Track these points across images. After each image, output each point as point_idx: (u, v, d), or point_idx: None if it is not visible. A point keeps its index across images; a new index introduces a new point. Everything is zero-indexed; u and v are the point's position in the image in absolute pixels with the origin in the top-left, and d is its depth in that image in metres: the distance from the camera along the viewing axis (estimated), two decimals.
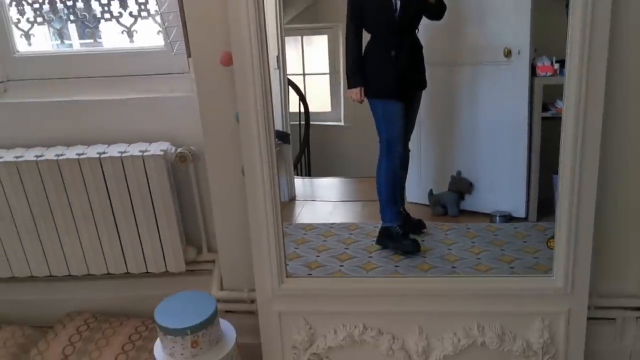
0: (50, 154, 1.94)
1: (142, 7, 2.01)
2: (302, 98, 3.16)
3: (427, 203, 3.02)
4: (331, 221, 2.99)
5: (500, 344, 1.73)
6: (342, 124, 3.84)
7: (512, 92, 2.72)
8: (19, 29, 2.06)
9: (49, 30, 2.11)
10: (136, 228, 2.01)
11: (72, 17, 2.07)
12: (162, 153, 1.91)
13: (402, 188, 2.58)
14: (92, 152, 1.94)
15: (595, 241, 1.67)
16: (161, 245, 2.04)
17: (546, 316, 1.71)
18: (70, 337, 2.04)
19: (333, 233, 2.82)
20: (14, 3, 2.04)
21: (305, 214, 3.24)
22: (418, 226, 2.69)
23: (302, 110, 3.15)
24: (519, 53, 2.68)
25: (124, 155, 1.91)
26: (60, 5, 2.04)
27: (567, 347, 1.72)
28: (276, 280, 1.75)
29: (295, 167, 3.46)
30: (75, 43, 2.15)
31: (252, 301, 1.94)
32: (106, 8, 2.02)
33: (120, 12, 2.03)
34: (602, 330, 1.86)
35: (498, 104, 2.80)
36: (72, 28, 2.14)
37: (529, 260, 2.31)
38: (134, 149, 1.93)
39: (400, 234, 2.34)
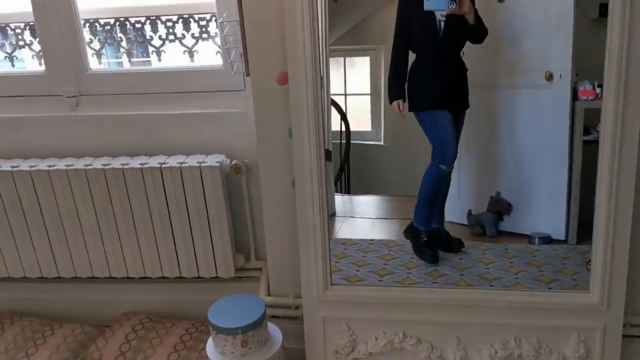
0: (116, 163, 2.09)
1: (204, 29, 2.17)
2: (344, 117, 3.24)
3: (466, 223, 3.07)
4: (370, 237, 3.08)
5: (537, 356, 1.78)
6: (381, 143, 3.90)
7: (553, 115, 2.76)
8: (91, 48, 2.24)
9: (118, 49, 2.29)
10: (190, 234, 2.14)
11: (139, 39, 2.24)
12: (217, 164, 2.05)
13: (443, 206, 2.65)
14: (153, 162, 2.08)
15: (632, 258, 1.72)
16: (213, 251, 2.16)
17: (582, 331, 1.76)
18: (127, 335, 2.18)
19: (372, 249, 2.89)
20: (87, 25, 2.23)
21: (345, 229, 3.33)
22: (457, 245, 2.75)
23: (344, 129, 3.21)
24: (560, 77, 2.72)
25: (182, 165, 2.05)
26: (129, 27, 2.22)
27: None
28: (322, 286, 1.85)
29: (335, 184, 3.54)
30: (141, 62, 2.33)
31: (297, 307, 2.05)
32: (171, 30, 2.19)
33: (183, 34, 2.19)
34: (637, 348, 1.90)
35: (539, 127, 2.84)
36: (139, 48, 2.31)
37: (567, 282, 2.33)
38: (192, 160, 2.08)
39: (424, 241, 2.39)
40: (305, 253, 1.83)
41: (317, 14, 1.64)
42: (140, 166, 2.07)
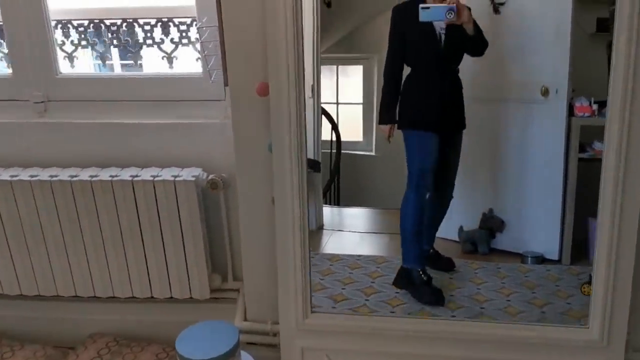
0: (84, 175, 1.95)
1: (183, 34, 2.04)
2: (335, 127, 3.14)
3: (457, 239, 2.96)
4: (358, 253, 2.95)
5: None
6: (373, 153, 3.79)
7: (548, 131, 2.66)
8: (63, 51, 2.10)
9: (92, 53, 2.16)
10: (163, 253, 2.00)
11: (115, 42, 2.11)
12: (193, 179, 1.91)
13: (436, 228, 2.53)
14: (125, 174, 1.95)
15: (634, 293, 1.59)
16: (187, 271, 2.02)
17: None
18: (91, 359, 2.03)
19: (359, 265, 2.77)
20: (59, 26, 2.09)
21: (332, 243, 3.21)
22: (447, 265, 2.62)
23: (334, 138, 3.12)
24: (556, 92, 2.63)
25: (156, 179, 1.91)
26: (104, 30, 2.09)
27: None
28: (301, 314, 1.72)
29: (325, 195, 3.43)
30: (117, 67, 2.19)
31: (275, 334, 1.91)
32: (149, 34, 2.06)
33: (162, 39, 2.06)
34: None
35: (533, 143, 2.74)
36: (114, 52, 2.18)
37: (561, 305, 2.21)
38: (167, 174, 1.94)
39: (424, 281, 2.26)
40: (283, 279, 1.70)
41: (302, 20, 1.51)
42: (110, 178, 1.93)
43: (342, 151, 3.35)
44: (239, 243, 1.97)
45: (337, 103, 3.58)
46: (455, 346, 1.68)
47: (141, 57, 2.13)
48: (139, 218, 1.96)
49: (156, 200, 1.93)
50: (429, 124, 2.22)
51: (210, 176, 1.94)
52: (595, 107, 2.71)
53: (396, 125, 2.17)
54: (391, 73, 2.18)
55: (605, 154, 1.60)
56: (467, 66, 2.41)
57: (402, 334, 1.70)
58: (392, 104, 2.16)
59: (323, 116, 2.70)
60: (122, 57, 2.19)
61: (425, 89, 2.18)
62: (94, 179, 1.93)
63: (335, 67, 3.64)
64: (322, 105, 2.67)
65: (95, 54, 2.15)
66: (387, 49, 2.24)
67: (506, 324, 1.72)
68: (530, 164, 2.76)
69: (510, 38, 2.71)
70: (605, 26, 2.96)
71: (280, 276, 1.69)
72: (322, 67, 3.00)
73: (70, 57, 2.12)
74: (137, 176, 1.94)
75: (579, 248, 2.78)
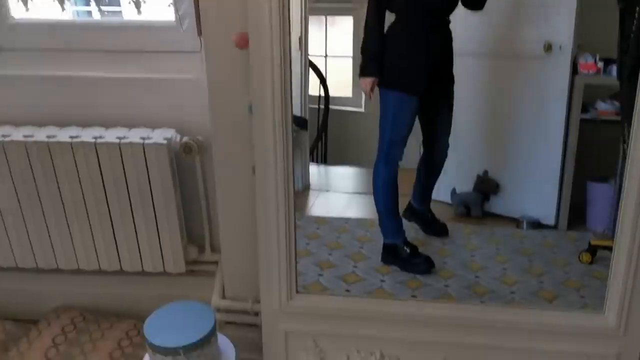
0: (41, 135, 1.74)
1: None
2: (323, 81, 3.00)
3: (449, 202, 2.81)
4: (346, 215, 2.80)
5: None
6: (362, 110, 3.63)
7: (550, 90, 2.51)
8: None
9: None
10: (133, 223, 1.81)
11: None
12: (165, 142, 1.70)
13: (431, 188, 2.40)
14: (87, 135, 1.73)
15: None
16: (159, 243, 1.84)
17: (592, 358, 1.48)
18: (54, 337, 1.86)
19: (347, 229, 2.64)
20: None
21: (319, 205, 3.06)
22: (441, 231, 2.48)
23: (322, 93, 2.94)
24: (560, 48, 2.45)
25: (122, 141, 1.70)
26: None
27: None
28: (285, 295, 1.54)
29: (311, 153, 3.29)
30: (78, 11, 1.94)
31: (257, 314, 1.74)
32: None
33: None
34: None
35: (533, 102, 2.58)
36: None
37: (559, 274, 2.11)
38: (135, 135, 1.72)
39: (409, 253, 2.12)
40: (265, 256, 1.51)
41: None
42: (70, 140, 1.72)
43: (330, 107, 3.18)
44: (217, 212, 1.77)
45: (326, 56, 3.42)
46: (455, 332, 1.52)
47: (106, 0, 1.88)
48: (104, 184, 1.76)
49: (123, 165, 1.72)
50: (412, 86, 2.04)
51: (184, 139, 1.73)
52: (600, 64, 2.54)
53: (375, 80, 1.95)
54: (375, 20, 1.96)
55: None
56: (460, 17, 2.21)
57: (394, 317, 1.53)
58: (377, 54, 1.94)
59: (311, 70, 2.50)
60: (84, 1, 1.94)
61: (411, 42, 1.97)
62: (52, 139, 1.72)
63: (324, 17, 3.41)
64: (310, 59, 2.44)
65: None
66: None
67: (513, 309, 1.55)
68: (529, 124, 2.61)
69: None
70: None
71: (261, 256, 1.51)
72: (310, 17, 2.79)
73: (24, 0, 1.86)
74: (100, 137, 1.72)
75: (576, 213, 2.66)
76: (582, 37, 2.51)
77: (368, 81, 1.94)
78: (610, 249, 2.29)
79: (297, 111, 2.91)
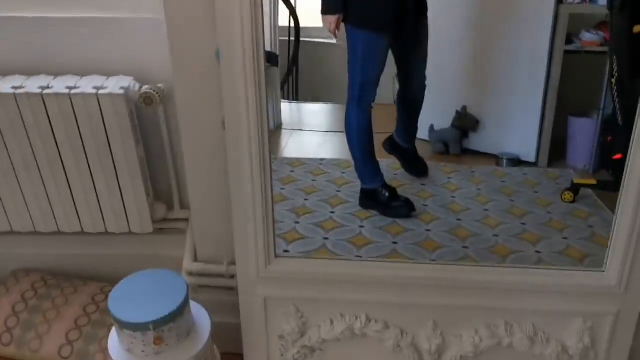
0: None
1: None
2: (293, 12, 2.79)
3: (427, 139, 2.71)
4: (321, 156, 2.68)
5: (531, 346, 1.43)
6: (334, 42, 3.45)
7: (533, 20, 2.39)
8: None
9: None
10: (92, 181, 1.64)
11: None
12: (122, 92, 1.51)
13: (414, 125, 2.30)
14: (32, 85, 1.53)
15: None
16: (123, 202, 1.68)
17: (589, 317, 1.41)
18: (14, 305, 1.72)
19: (323, 171, 2.53)
20: None
21: (293, 145, 2.93)
22: (421, 171, 2.39)
23: (292, 25, 2.77)
24: None
25: (73, 92, 1.51)
26: None
27: (610, 353, 1.44)
28: (262, 261, 1.41)
29: (282, 88, 3.11)
30: None
31: (233, 276, 1.62)
32: None
33: None
34: None
35: (515, 32, 2.45)
36: None
37: (542, 215, 2.04)
38: (87, 85, 1.53)
39: (388, 197, 2.02)
40: (239, 218, 1.37)
41: None
42: (13, 91, 1.52)
43: (301, 39, 3.00)
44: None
45: None
46: (444, 293, 1.42)
47: None
48: (55, 140, 1.58)
49: (76, 118, 1.54)
50: (380, 23, 1.87)
51: (144, 88, 1.54)
52: None
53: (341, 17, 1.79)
54: None
55: None
56: None
57: (380, 280, 1.42)
58: None
59: (280, 0, 2.34)
60: None
61: None
62: None
63: None
64: None
65: None
66: None
67: (507, 268, 1.46)
68: (510, 56, 2.49)
69: None
70: None
71: (235, 222, 1.37)
72: None
73: None
74: (48, 87, 1.52)
75: (557, 149, 2.59)
76: None
77: (331, 19, 1.76)
78: (592, 187, 2.23)
79: (267, 45, 2.73)
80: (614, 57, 1.99)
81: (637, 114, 1.30)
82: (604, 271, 1.37)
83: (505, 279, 1.40)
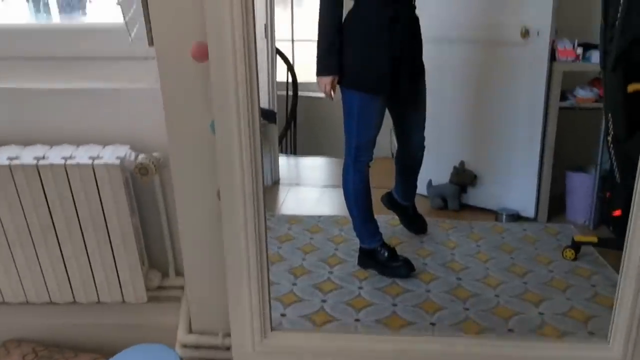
0: None
1: None
2: (290, 68, 2.84)
3: (425, 194, 2.70)
4: (319, 212, 2.68)
5: None
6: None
7: (528, 77, 2.43)
8: None
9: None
10: (85, 251, 1.62)
11: None
12: (118, 162, 1.51)
13: (414, 183, 2.32)
14: (28, 156, 1.53)
15: None
16: (117, 271, 1.65)
17: None
18: None
19: (321, 228, 2.52)
20: None
21: (290, 201, 2.92)
22: (420, 228, 2.38)
23: (290, 79, 2.79)
24: (538, 34, 2.34)
25: (68, 162, 1.50)
26: None
27: None
28: (258, 334, 1.38)
29: (280, 142, 3.12)
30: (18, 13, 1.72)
31: (229, 348, 1.57)
32: None
33: None
34: None
35: (510, 89, 2.49)
36: None
37: (543, 274, 2.03)
38: (83, 155, 1.53)
39: (387, 257, 2.00)
40: (234, 292, 1.35)
41: None
42: (8, 162, 1.51)
43: (299, 93, 3.04)
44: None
45: (293, 40, 3.25)
46: None
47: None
48: (49, 210, 1.56)
49: (71, 189, 1.53)
50: (375, 85, 1.88)
51: (140, 157, 1.54)
52: (579, 50, 2.43)
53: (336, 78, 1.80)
54: (328, 7, 1.77)
55: None
56: (431, 1, 2.07)
57: (384, 355, 1.38)
58: (332, 49, 1.78)
59: (278, 56, 2.40)
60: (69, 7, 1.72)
61: (372, 32, 1.81)
62: None
63: None
64: (277, 45, 2.34)
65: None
66: None
67: (511, 341, 1.42)
68: (507, 113, 2.52)
69: None
70: None
71: (230, 294, 1.34)
72: None
73: None
74: (43, 158, 1.52)
75: (556, 204, 2.59)
76: (560, 22, 2.41)
77: (326, 80, 1.77)
78: (593, 244, 2.22)
79: (265, 103, 2.76)
80: (609, 115, 2.01)
81: (637, 175, 1.28)
82: (608, 344, 1.34)
83: (506, 353, 1.36)
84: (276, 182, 3.16)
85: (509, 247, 2.29)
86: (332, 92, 1.79)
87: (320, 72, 1.79)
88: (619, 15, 1.86)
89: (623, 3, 1.84)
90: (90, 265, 1.63)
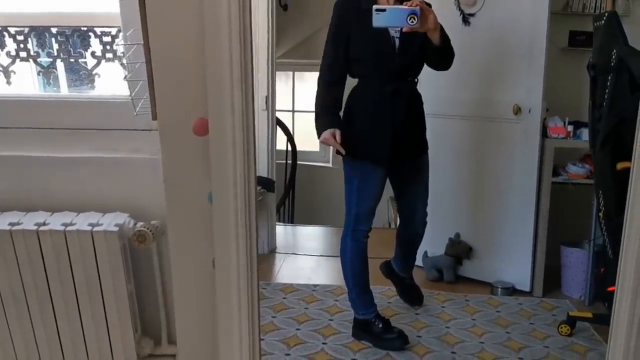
0: None
1: (107, 47, 1.67)
2: (290, 138, 2.88)
3: (421, 265, 2.71)
4: (314, 281, 2.69)
5: None
6: (330, 165, 3.55)
7: (521, 152, 2.51)
8: None
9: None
10: (79, 318, 1.63)
11: (22, 54, 1.71)
12: (116, 229, 1.54)
13: (413, 256, 2.36)
14: (29, 222, 1.56)
15: None
16: (109, 338, 1.65)
17: None
18: None
19: (316, 298, 2.52)
20: None
21: (286, 270, 2.93)
22: (416, 299, 2.40)
23: (290, 148, 2.83)
24: (529, 112, 2.43)
25: (67, 229, 1.54)
26: (7, 38, 1.69)
27: None
28: None
29: (278, 211, 3.14)
30: (24, 85, 1.79)
31: None
32: (63, 46, 1.67)
33: (80, 52, 1.68)
34: None
35: (504, 165, 2.56)
36: (24, 67, 1.77)
37: (539, 350, 2.07)
38: (83, 222, 1.56)
39: (381, 329, 2.00)
40: None
41: (251, 39, 1.16)
42: (9, 227, 1.54)
43: (298, 162, 3.08)
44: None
45: (293, 111, 3.32)
46: None
47: (56, 72, 1.74)
48: (46, 275, 1.58)
49: (69, 254, 1.55)
50: (376, 154, 1.93)
51: (138, 225, 1.57)
52: (570, 128, 2.51)
53: (340, 132, 1.85)
54: (329, 82, 1.87)
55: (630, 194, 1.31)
56: (427, 78, 2.16)
57: None
58: (330, 108, 1.86)
59: (278, 127, 2.51)
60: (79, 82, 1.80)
61: (374, 107, 1.88)
62: None
63: (291, 73, 3.33)
64: (277, 115, 2.48)
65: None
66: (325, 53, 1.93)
67: None
68: (501, 187, 2.57)
69: (480, 51, 2.48)
70: (578, 40, 2.74)
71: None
72: (277, 72, 2.71)
73: None
74: (44, 224, 1.55)
75: (552, 276, 2.60)
76: (550, 100, 2.50)
77: (327, 135, 1.80)
78: (588, 320, 2.21)
79: (264, 172, 2.81)
80: (600, 192, 2.05)
81: (620, 258, 1.31)
82: None
83: None
84: (272, 251, 3.18)
85: (505, 322, 2.29)
86: (339, 143, 1.78)
87: (323, 128, 1.83)
88: (606, 96, 1.94)
89: (610, 85, 1.92)
90: (83, 331, 1.64)
